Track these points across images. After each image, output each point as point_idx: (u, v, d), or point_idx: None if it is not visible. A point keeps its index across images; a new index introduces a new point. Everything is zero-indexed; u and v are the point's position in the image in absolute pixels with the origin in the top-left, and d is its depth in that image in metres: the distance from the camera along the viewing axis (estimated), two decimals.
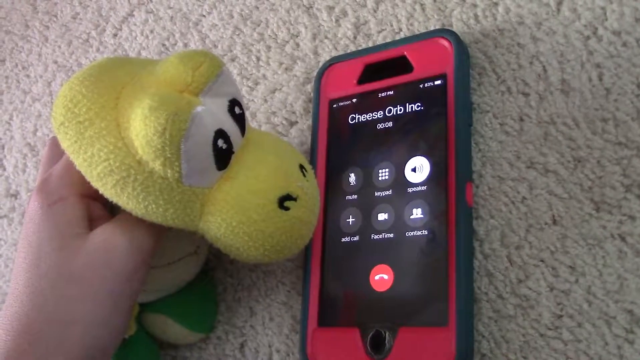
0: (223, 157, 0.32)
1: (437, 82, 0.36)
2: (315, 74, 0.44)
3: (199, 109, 0.30)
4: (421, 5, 0.40)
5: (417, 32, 0.40)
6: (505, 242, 0.34)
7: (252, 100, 0.46)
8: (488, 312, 0.33)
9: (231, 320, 0.42)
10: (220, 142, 0.31)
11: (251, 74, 0.47)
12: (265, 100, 0.45)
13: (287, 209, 0.32)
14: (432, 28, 0.39)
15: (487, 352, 0.33)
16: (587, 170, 0.33)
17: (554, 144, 0.34)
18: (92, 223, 0.33)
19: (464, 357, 0.32)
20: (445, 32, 0.37)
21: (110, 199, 0.32)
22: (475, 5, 0.38)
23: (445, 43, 0.37)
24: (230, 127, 0.32)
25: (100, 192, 0.32)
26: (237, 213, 0.32)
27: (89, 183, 0.32)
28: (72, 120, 0.31)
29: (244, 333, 0.41)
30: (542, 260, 0.33)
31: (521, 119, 0.35)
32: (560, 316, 0.32)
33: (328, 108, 0.40)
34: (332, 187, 0.39)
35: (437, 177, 0.35)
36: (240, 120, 0.33)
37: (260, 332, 0.41)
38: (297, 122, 0.44)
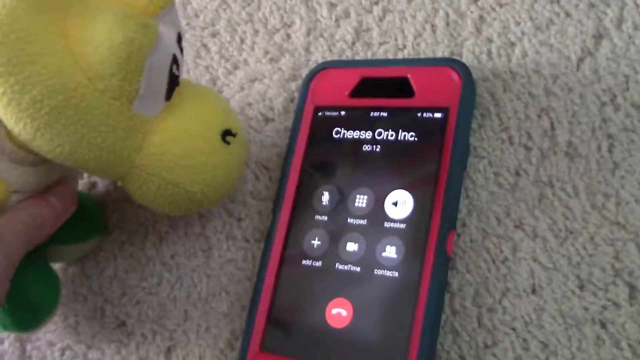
0: (172, 85, 0.31)
1: (437, 115, 0.34)
2: (302, 72, 0.40)
3: (161, 27, 0.29)
4: (432, 26, 0.37)
5: (422, 54, 0.37)
6: (478, 302, 0.32)
7: (227, 84, 0.42)
8: None
9: (161, 320, 0.38)
10: (174, 68, 0.31)
11: (231, 56, 0.43)
12: (242, 88, 0.42)
13: (228, 143, 0.33)
14: (440, 53, 0.37)
15: None
16: (578, 244, 0.31)
17: (548, 209, 0.32)
18: None
19: None
20: (456, 64, 0.34)
21: (28, 136, 0.28)
22: (490, 41, 0.36)
23: (454, 75, 0.34)
24: (180, 58, 0.31)
25: (19, 128, 0.28)
26: (184, 142, 0.31)
27: None
28: (10, 36, 0.27)
29: (174, 337, 0.38)
30: (513, 329, 0.31)
31: (517, 174, 0.33)
32: None
33: (312, 115, 0.37)
34: (301, 201, 0.35)
35: (419, 217, 0.32)
36: (182, 54, 0.33)
37: (193, 340, 0.37)
38: (273, 119, 0.40)
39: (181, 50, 0.32)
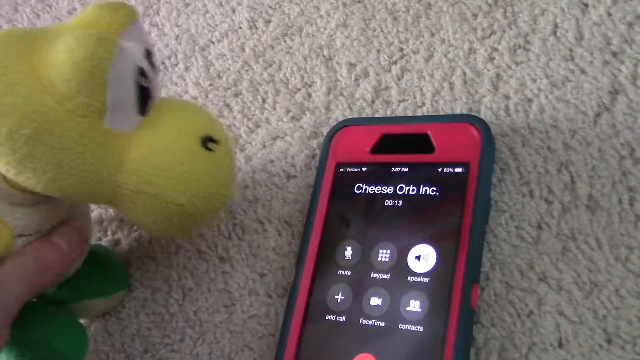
0: (144, 97, 0.31)
1: (458, 170, 0.34)
2: (323, 129, 0.41)
3: (123, 42, 0.29)
4: (450, 84, 0.38)
5: (441, 110, 0.38)
6: (504, 356, 0.31)
7: (250, 142, 0.43)
8: None
9: None
10: (142, 80, 0.30)
11: (254, 115, 0.44)
12: (264, 146, 0.42)
13: (210, 150, 0.32)
14: (458, 110, 0.37)
15: None
16: (603, 297, 0.31)
17: (572, 262, 0.32)
18: None
19: None
20: (474, 120, 0.35)
21: (13, 171, 0.29)
22: (507, 97, 0.36)
23: (474, 131, 0.35)
24: (149, 72, 0.31)
25: (3, 164, 0.29)
26: (163, 154, 0.31)
27: None
28: None
29: None
30: None
31: (539, 227, 0.33)
32: None
33: (334, 171, 0.38)
34: (324, 256, 0.36)
35: (442, 271, 0.32)
36: (156, 71, 0.33)
37: None
38: (295, 176, 0.41)
39: (153, 66, 0.32)
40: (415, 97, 0.39)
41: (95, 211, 0.46)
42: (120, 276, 0.42)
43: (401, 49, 0.41)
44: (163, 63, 0.49)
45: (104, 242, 0.45)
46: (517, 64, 0.37)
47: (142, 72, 0.30)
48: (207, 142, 0.32)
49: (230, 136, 0.35)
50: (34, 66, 0.29)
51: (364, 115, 0.40)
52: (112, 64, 0.28)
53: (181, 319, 0.40)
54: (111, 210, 0.46)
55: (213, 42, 0.48)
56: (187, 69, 0.48)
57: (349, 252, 0.35)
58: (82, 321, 0.42)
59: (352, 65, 0.42)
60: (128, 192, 0.31)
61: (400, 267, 0.34)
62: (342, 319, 0.34)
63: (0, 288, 0.31)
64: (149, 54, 0.32)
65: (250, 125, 0.44)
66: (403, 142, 0.37)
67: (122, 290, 0.42)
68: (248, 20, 0.48)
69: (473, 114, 0.37)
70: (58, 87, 0.28)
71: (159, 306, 0.41)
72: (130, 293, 0.42)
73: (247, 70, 0.46)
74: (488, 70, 0.38)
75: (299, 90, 0.43)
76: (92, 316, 0.42)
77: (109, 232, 0.45)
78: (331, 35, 0.44)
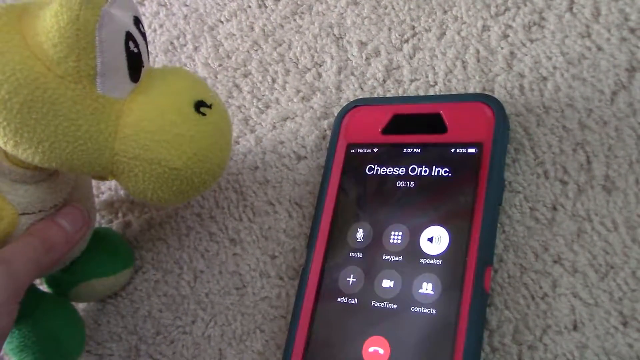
0: (135, 63, 0.31)
1: (471, 150, 0.34)
2: (334, 110, 0.41)
3: (110, 8, 0.29)
4: (463, 62, 0.38)
5: (454, 90, 0.37)
6: (518, 339, 0.31)
7: (260, 123, 0.43)
8: None
9: (196, 359, 0.38)
10: (131, 45, 0.30)
11: (263, 95, 0.43)
12: (274, 127, 0.42)
13: (203, 114, 0.32)
14: (471, 89, 0.37)
15: None
16: (619, 279, 0.30)
17: (587, 243, 0.31)
18: None
19: None
20: (488, 99, 0.34)
21: (11, 142, 0.29)
22: (522, 76, 0.36)
23: (487, 110, 0.34)
24: (139, 39, 0.31)
25: (1, 135, 0.29)
26: (156, 118, 0.31)
27: None
28: None
29: None
30: None
31: (554, 208, 0.33)
32: None
33: (345, 152, 0.37)
34: (335, 238, 0.35)
35: (455, 253, 0.32)
36: (145, 39, 0.32)
37: None
38: (306, 157, 0.40)
39: (142, 34, 0.32)
40: (427, 77, 0.38)
41: (106, 194, 0.46)
42: (125, 255, 0.42)
43: (413, 27, 0.40)
44: (172, 43, 0.49)
45: (115, 224, 0.44)
46: (531, 41, 0.36)
47: (131, 38, 0.30)
48: (200, 106, 0.32)
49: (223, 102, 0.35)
50: (25, 35, 0.29)
51: (375, 95, 0.40)
52: (98, 27, 0.28)
53: (192, 301, 0.40)
54: (122, 192, 0.46)
55: (222, 22, 0.48)
56: (195, 49, 0.48)
57: (360, 234, 0.35)
58: (93, 303, 0.42)
59: (363, 44, 0.41)
60: (126, 159, 0.31)
61: (412, 249, 0.33)
62: (354, 301, 0.34)
63: (9, 266, 0.31)
64: (137, 21, 0.32)
65: (260, 106, 0.43)
66: (415, 122, 0.36)
67: (128, 268, 0.42)
68: None
69: (486, 93, 0.36)
70: (47, 52, 0.28)
71: (170, 288, 0.41)
72: (141, 275, 0.42)
73: (256, 50, 0.45)
74: (502, 48, 0.37)
75: (309, 70, 0.43)
76: (100, 297, 0.42)
77: (119, 215, 0.45)
78: (341, 14, 0.43)
